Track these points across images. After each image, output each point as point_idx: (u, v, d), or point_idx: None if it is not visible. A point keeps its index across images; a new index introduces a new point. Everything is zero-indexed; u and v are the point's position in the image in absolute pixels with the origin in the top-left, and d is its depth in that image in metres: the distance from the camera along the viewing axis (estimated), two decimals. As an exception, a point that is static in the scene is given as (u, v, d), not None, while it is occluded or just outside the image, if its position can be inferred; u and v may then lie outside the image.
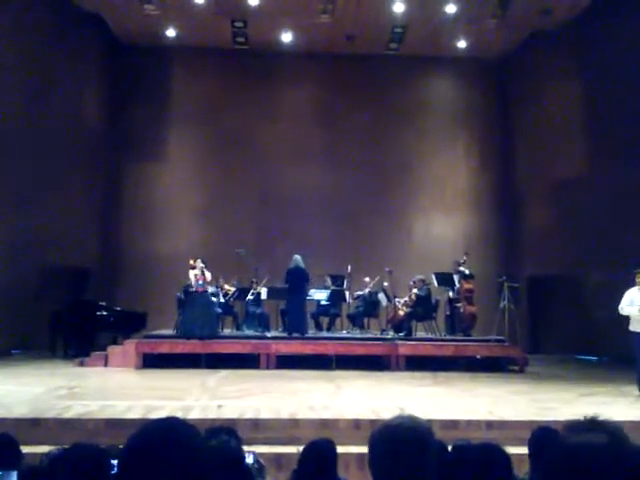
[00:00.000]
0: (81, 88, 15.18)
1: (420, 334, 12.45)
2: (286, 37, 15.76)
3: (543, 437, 3.33)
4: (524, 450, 3.43)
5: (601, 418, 1.44)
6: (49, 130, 13.79)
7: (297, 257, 11.92)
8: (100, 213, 15.84)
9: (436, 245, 16.26)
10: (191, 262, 11.78)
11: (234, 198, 16.35)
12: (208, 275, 11.69)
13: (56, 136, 14.00)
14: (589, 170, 14.25)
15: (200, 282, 11.49)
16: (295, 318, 11.86)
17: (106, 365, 11.04)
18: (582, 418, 1.46)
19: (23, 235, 12.94)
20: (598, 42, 13.99)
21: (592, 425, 1.41)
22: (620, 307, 8.70)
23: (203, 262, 11.65)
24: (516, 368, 11.45)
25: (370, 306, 12.87)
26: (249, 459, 3.20)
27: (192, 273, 11.57)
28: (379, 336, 12.33)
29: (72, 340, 12.35)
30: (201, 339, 11.16)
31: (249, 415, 6.48)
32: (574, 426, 1.42)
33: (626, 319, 8.70)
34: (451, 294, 12.63)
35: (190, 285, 11.74)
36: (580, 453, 1.31)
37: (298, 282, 11.75)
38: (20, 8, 12.89)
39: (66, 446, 2.75)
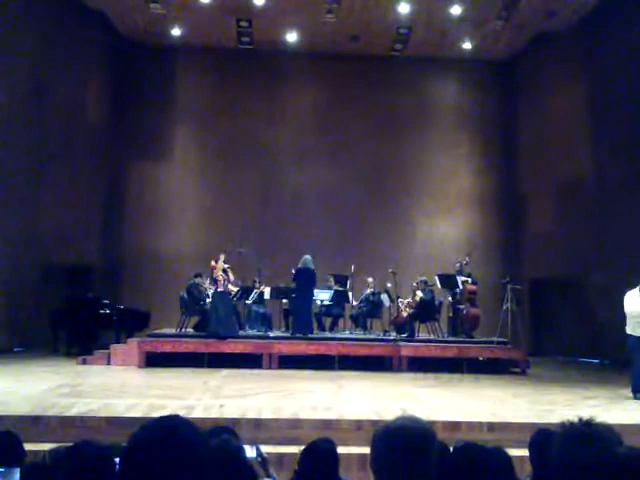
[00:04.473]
0: (85, 86, 15.21)
1: (423, 335, 12.43)
2: (291, 37, 15.75)
3: (543, 439, 3.33)
4: (526, 452, 3.42)
5: (596, 420, 1.45)
6: (52, 128, 13.81)
7: (307, 257, 11.90)
8: (103, 211, 15.86)
9: (439, 246, 16.25)
10: (212, 263, 11.87)
11: (237, 197, 16.36)
12: (232, 275, 11.88)
13: (59, 134, 14.03)
14: (592, 172, 14.23)
15: (225, 282, 11.66)
16: (301, 318, 11.85)
17: (109, 363, 11.04)
18: (576, 419, 1.47)
19: (26, 233, 12.96)
20: (603, 44, 13.96)
21: (586, 427, 1.42)
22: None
23: (224, 261, 11.84)
24: (518, 370, 11.44)
25: (373, 307, 12.86)
26: (252, 452, 3.20)
27: (217, 273, 11.66)
28: (382, 337, 12.32)
29: (75, 338, 12.36)
30: (229, 338, 11.21)
31: (251, 415, 6.48)
32: (569, 427, 1.43)
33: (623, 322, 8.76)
34: (450, 299, 12.60)
35: (210, 286, 11.92)
36: (576, 455, 1.32)
37: (306, 282, 11.74)
38: (24, 5, 12.90)
39: (68, 444, 2.76)
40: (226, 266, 11.83)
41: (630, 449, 1.40)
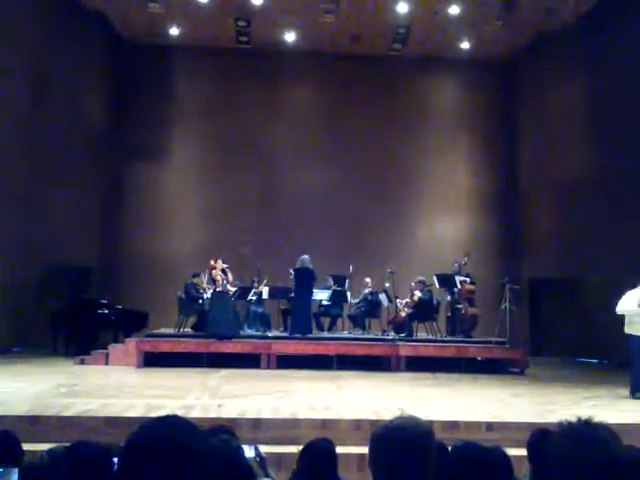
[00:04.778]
0: (84, 86, 15.18)
1: (421, 335, 12.44)
2: (289, 37, 15.74)
3: (542, 439, 3.33)
4: (524, 452, 3.43)
5: (595, 420, 1.45)
6: (51, 129, 13.78)
7: (305, 257, 11.91)
8: (103, 212, 15.84)
9: (438, 246, 16.25)
10: (212, 262, 11.89)
11: (236, 198, 16.35)
12: (230, 276, 11.88)
13: (58, 135, 14.00)
14: (591, 173, 14.23)
15: (224, 282, 11.66)
16: (299, 318, 11.85)
17: (107, 363, 11.05)
18: (575, 419, 1.47)
19: (26, 234, 12.94)
20: (603, 43, 13.95)
21: (585, 426, 1.42)
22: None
23: (224, 262, 11.86)
24: (517, 370, 11.45)
25: (371, 307, 12.86)
26: (250, 452, 3.19)
27: (215, 273, 11.68)
28: (380, 337, 12.33)
29: (73, 338, 12.36)
30: (229, 338, 11.19)
31: (250, 415, 6.48)
32: (567, 427, 1.43)
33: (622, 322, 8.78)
34: (449, 299, 12.60)
35: (209, 285, 11.95)
36: (575, 455, 1.32)
37: (305, 282, 11.75)
38: (23, 5, 12.88)
39: (67, 444, 2.75)
40: (225, 266, 11.87)
41: (629, 449, 1.40)
